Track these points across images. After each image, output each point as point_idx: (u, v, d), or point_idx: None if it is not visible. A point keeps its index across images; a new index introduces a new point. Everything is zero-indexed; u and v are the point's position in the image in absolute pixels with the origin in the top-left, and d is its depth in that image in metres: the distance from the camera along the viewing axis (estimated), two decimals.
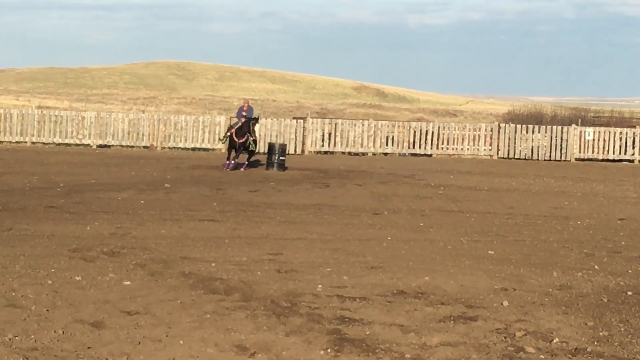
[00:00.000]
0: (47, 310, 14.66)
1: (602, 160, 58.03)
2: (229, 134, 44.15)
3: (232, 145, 43.34)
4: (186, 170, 44.47)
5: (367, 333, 13.81)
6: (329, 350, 12.81)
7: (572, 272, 19.27)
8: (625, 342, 13.65)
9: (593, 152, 58.40)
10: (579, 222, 27.98)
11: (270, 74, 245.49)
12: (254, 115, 48.19)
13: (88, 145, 59.07)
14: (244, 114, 46.28)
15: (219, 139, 46.61)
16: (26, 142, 59.31)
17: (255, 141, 46.28)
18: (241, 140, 41.89)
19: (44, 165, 44.39)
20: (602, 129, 63.14)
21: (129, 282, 17.03)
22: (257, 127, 43.17)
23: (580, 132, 59.78)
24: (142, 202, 30.49)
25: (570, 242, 23.79)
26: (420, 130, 61.45)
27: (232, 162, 42.85)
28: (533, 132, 60.74)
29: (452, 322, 14.68)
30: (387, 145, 59.70)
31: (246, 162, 46.64)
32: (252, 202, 31.70)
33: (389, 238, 23.66)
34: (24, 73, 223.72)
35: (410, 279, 18.08)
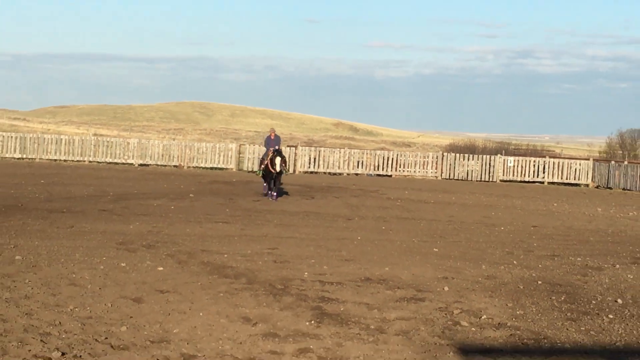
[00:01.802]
0: (99, 289, 14.66)
1: (520, 181, 57.96)
2: (262, 166, 36.08)
3: (269, 176, 35.46)
4: (206, 184, 44.27)
5: (342, 309, 13.83)
6: (312, 321, 12.84)
7: (496, 265, 19.26)
8: (536, 319, 13.66)
9: (513, 175, 58.34)
10: (502, 228, 27.95)
11: (270, 112, 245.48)
12: (281, 143, 39.75)
13: (131, 164, 58.89)
14: (273, 144, 37.04)
15: (256, 174, 38.41)
16: (84, 161, 59.10)
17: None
18: (277, 170, 34.81)
19: (98, 178, 44.23)
20: (520, 158, 63.27)
21: (161, 268, 17.02)
22: (278, 160, 34.95)
23: (504, 160, 59.81)
24: (172, 207, 30.42)
25: (495, 243, 23.79)
26: (383, 156, 61.44)
27: (274, 193, 35.09)
28: (468, 159, 60.81)
29: (405, 302, 14.70)
30: (358, 167, 59.64)
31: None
32: (256, 209, 31.67)
33: (359, 238, 23.64)
34: (83, 109, 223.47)
35: (375, 269, 18.08)
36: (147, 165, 59.59)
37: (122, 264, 17.29)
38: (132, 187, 39.61)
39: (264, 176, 36.39)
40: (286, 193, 39.22)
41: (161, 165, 59.69)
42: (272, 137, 37.48)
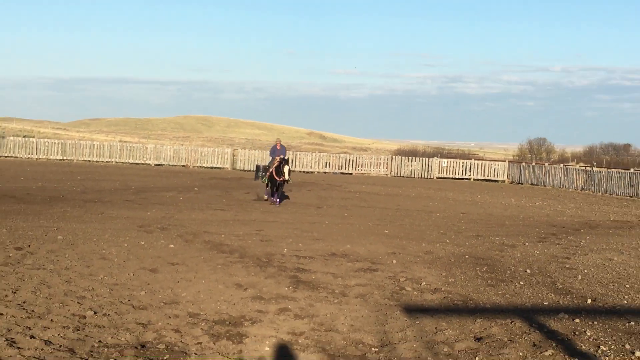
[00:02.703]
0: (124, 262, 14.62)
1: (452, 178, 58.19)
2: (267, 174, 31.33)
3: (273, 183, 31.02)
4: (207, 180, 44.18)
5: (313, 277, 13.85)
6: (290, 287, 12.86)
7: (433, 243, 19.32)
8: (464, 285, 13.72)
9: (447, 173, 58.53)
10: (437, 214, 28.02)
11: (258, 124, 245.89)
12: (286, 153, 34.04)
13: (149, 164, 58.76)
14: (278, 152, 32.24)
15: (262, 181, 32.72)
16: (112, 162, 58.97)
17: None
18: (281, 179, 30.36)
19: (123, 175, 44.06)
20: (452, 159, 63.50)
21: (172, 246, 16.98)
22: (286, 169, 30.45)
23: (439, 161, 60.05)
24: (181, 198, 30.37)
25: (432, 226, 23.84)
26: (346, 159, 61.58)
27: (277, 199, 30.58)
28: (411, 161, 60.94)
29: (363, 272, 14.73)
30: (325, 167, 59.67)
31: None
32: (246, 199, 31.66)
33: (327, 222, 23.65)
34: (111, 121, 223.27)
35: (339, 246, 18.11)
36: (161, 165, 59.42)
37: (142, 242, 17.26)
38: (149, 182, 39.51)
39: (268, 183, 31.60)
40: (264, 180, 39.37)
41: (172, 165, 59.57)
42: (278, 147, 32.52)
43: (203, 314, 10.79)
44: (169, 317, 10.55)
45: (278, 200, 30.40)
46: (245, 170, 56.06)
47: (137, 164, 59.42)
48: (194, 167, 59.11)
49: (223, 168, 59.17)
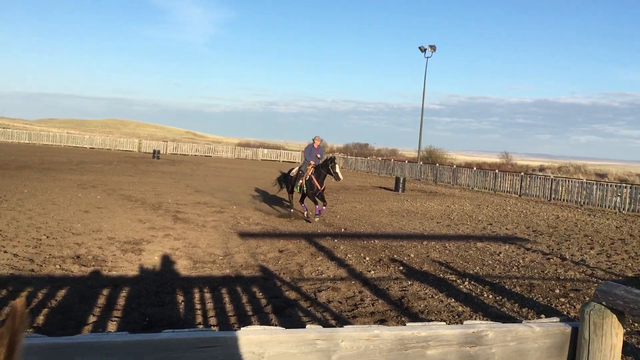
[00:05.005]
0: (67, 206, 13.81)
1: (270, 160, 57.92)
2: (302, 181, 14.90)
3: (313, 192, 14.57)
4: (122, 158, 42.18)
5: (186, 216, 13.61)
6: (172, 221, 12.58)
7: (261, 197, 19.37)
8: (274, 220, 13.92)
9: (267, 158, 58.04)
10: (260, 180, 27.97)
11: (155, 125, 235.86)
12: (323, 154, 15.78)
13: (85, 147, 55.80)
14: (314, 154, 15.18)
15: (296, 190, 15.10)
16: (61, 145, 55.33)
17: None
18: (323, 187, 14.63)
19: (68, 154, 41.27)
20: (271, 149, 63.05)
21: (99, 197, 16.17)
22: (337, 168, 14.45)
23: (262, 150, 59.77)
24: (105, 168, 28.79)
25: (261, 186, 23.83)
26: (208, 147, 60.25)
27: (322, 207, 14.66)
28: (247, 150, 60.20)
29: (216, 213, 14.63)
30: (196, 152, 58.07)
31: (303, 204, 15.27)
32: (147, 169, 30.42)
33: (195, 184, 23.11)
34: (62, 120, 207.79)
35: (202, 198, 17.86)
36: (94, 148, 55.85)
37: (79, 195, 16.32)
38: (85, 159, 37.16)
39: (292, 192, 15.54)
40: (158, 158, 38.05)
41: (101, 148, 56.16)
42: (316, 147, 15.32)
43: (117, 237, 10.41)
44: (95, 239, 10.11)
45: (322, 209, 14.61)
46: (147, 153, 53.67)
47: (77, 147, 55.47)
48: (114, 150, 56.07)
49: (133, 151, 56.45)
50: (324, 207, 14.64)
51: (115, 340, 1.55)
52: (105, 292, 7.00)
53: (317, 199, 14.60)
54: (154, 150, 45.19)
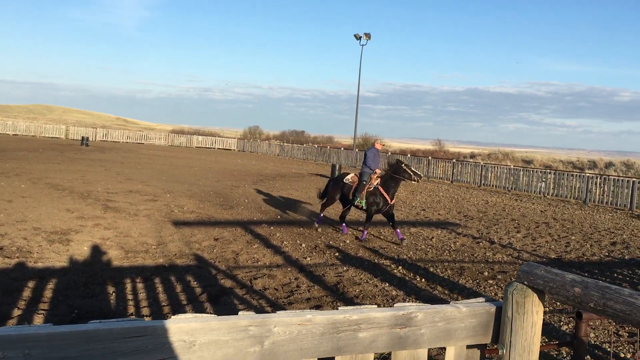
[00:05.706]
0: None
1: (204, 147, 57.17)
2: (363, 192, 10.97)
3: (378, 208, 10.85)
4: (48, 145, 40.27)
5: (117, 204, 13.22)
6: (102, 210, 12.20)
7: (191, 185, 19.08)
8: (209, 209, 13.76)
9: (202, 145, 57.27)
10: (195, 168, 27.55)
11: (83, 111, 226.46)
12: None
13: (8, 134, 52.67)
14: (377, 159, 11.23)
15: (361, 206, 11.02)
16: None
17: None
18: (393, 201, 10.93)
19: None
20: (205, 137, 62.12)
21: (24, 186, 15.43)
22: (411, 170, 10.76)
23: (197, 137, 58.83)
24: (30, 156, 27.45)
25: (191, 174, 23.46)
26: (140, 134, 58.51)
27: (402, 236, 10.59)
28: (180, 137, 58.99)
29: (148, 201, 14.29)
30: (127, 139, 56.34)
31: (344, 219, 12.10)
32: (77, 157, 29.26)
33: (126, 172, 22.51)
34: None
35: (134, 186, 17.39)
36: (17, 134, 53.04)
37: (2, 183, 15.53)
38: (9, 146, 35.30)
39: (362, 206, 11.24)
40: (87, 145, 36.68)
41: (25, 135, 53.43)
42: (379, 148, 11.42)
43: (43, 227, 9.99)
44: (20, 230, 9.66)
45: (402, 237, 10.63)
46: (75, 140, 51.57)
47: (0, 134, 52.77)
48: (40, 136, 53.48)
49: (59, 138, 53.98)
50: (398, 230, 10.85)
51: (38, 332, 1.49)
52: (31, 284, 6.72)
53: (389, 220, 11.11)
54: (83, 137, 43.35)
